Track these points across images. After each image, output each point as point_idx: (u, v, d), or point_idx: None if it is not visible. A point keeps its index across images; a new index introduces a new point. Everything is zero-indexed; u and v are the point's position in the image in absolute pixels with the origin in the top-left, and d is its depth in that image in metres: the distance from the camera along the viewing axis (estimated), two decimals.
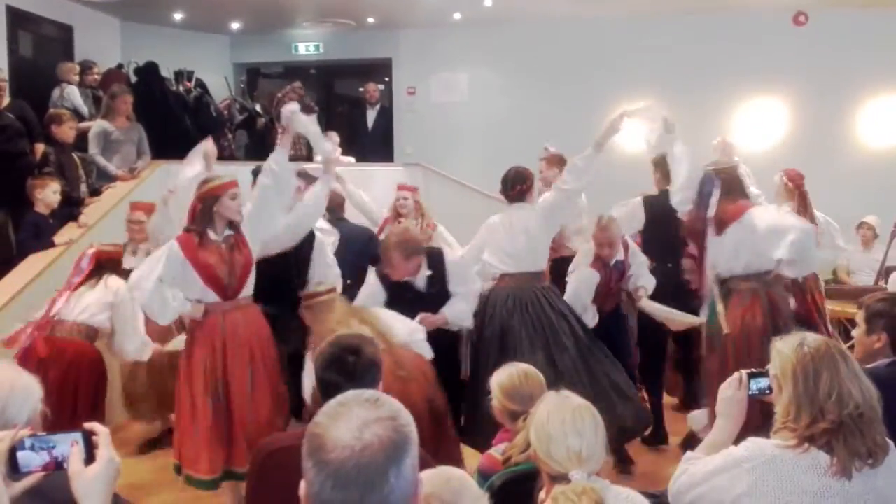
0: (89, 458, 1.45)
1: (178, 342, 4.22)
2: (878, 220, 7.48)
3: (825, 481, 1.94)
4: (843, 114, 9.14)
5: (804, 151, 8.88)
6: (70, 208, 5.94)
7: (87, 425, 1.45)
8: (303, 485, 1.26)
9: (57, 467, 1.48)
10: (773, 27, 9.13)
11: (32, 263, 5.23)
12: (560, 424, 2.09)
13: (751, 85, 9.25)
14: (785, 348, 2.12)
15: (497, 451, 2.69)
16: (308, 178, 4.83)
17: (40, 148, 6.21)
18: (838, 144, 9.07)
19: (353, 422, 1.24)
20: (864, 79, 8.95)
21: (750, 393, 2.24)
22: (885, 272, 6.82)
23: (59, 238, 5.45)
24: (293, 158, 9.07)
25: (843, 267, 7.70)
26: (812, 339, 2.10)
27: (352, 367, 2.27)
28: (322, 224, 4.90)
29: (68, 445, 1.46)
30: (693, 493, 2.14)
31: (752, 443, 2.07)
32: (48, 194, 5.37)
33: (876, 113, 9.12)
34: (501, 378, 2.84)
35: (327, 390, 2.19)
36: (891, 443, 2.02)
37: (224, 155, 8.33)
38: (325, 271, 4.16)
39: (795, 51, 9.04)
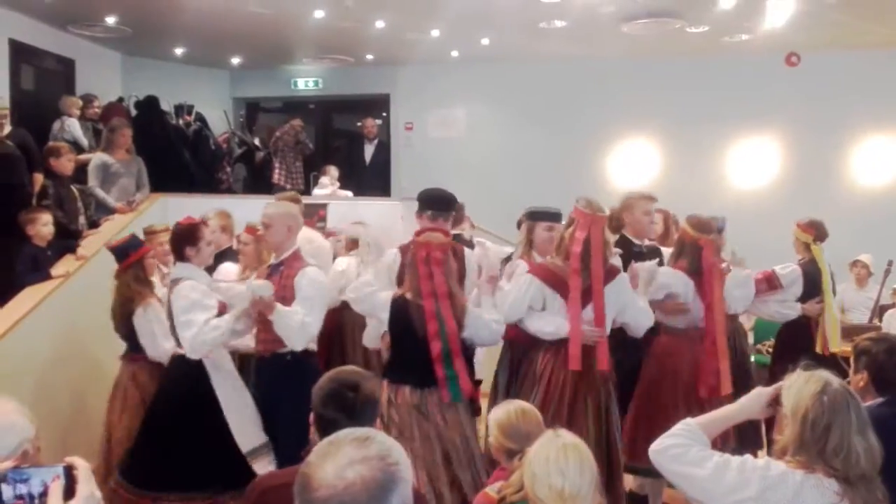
0: (69, 493, 1.44)
1: None
2: (871, 258, 7.51)
3: (829, 497, 1.98)
4: (836, 153, 9.25)
5: (798, 190, 8.98)
6: (68, 240, 5.95)
7: (68, 459, 1.45)
8: None
9: (30, 502, 1.46)
10: (766, 68, 9.27)
11: (29, 295, 5.22)
12: (544, 463, 2.11)
13: (744, 125, 9.37)
14: (804, 389, 2.11)
15: (493, 489, 2.68)
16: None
17: (39, 178, 6.23)
18: (831, 183, 9.16)
19: (339, 461, 1.25)
20: (857, 119, 9.09)
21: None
22: (878, 310, 6.85)
23: (56, 270, 5.44)
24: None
25: (837, 305, 7.72)
26: (834, 388, 2.09)
27: (351, 403, 2.26)
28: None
29: (49, 479, 1.44)
30: (685, 470, 2.15)
31: (767, 458, 2.11)
32: (39, 228, 5.38)
33: (868, 152, 9.23)
34: (499, 415, 2.84)
35: (326, 427, 2.18)
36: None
37: (222, 188, 8.39)
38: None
39: (788, 91, 9.18)
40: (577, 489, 2.06)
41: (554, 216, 4.28)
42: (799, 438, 2.07)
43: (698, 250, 4.20)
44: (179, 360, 3.99)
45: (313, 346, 4.13)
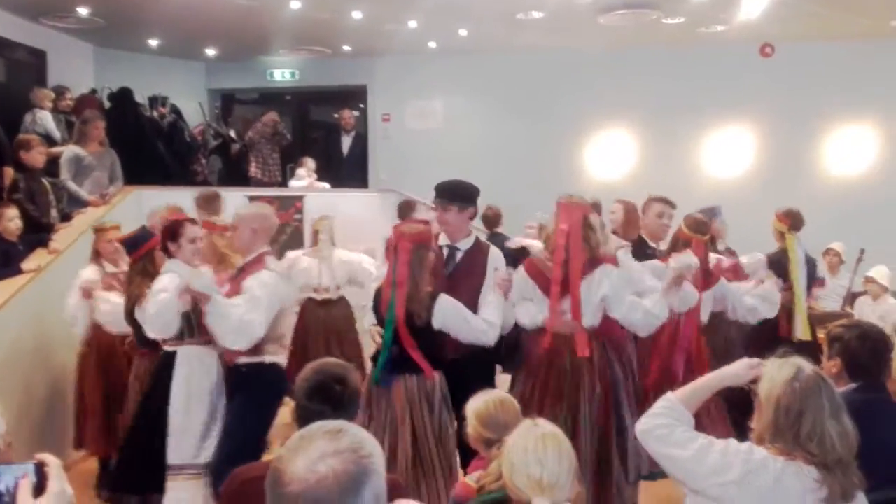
0: (40, 489, 1.42)
1: None
2: (843, 246, 7.61)
3: (808, 484, 2.01)
4: (809, 143, 9.36)
5: (772, 179, 9.08)
6: (40, 234, 5.86)
7: (39, 456, 1.43)
8: None
9: (1, 499, 1.44)
10: (741, 59, 9.35)
11: (0, 291, 5.14)
12: (522, 453, 2.12)
13: (720, 115, 9.45)
14: (777, 376, 2.14)
15: (472, 478, 2.69)
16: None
17: (9, 172, 6.14)
18: (804, 173, 9.27)
19: (311, 454, 1.25)
20: (830, 109, 9.20)
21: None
22: (850, 298, 6.95)
23: (27, 265, 5.36)
24: (268, 184, 9.11)
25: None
26: (806, 374, 2.11)
27: (338, 395, 2.25)
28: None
29: (17, 476, 1.42)
30: (670, 451, 2.18)
31: (750, 444, 2.13)
32: (6, 224, 5.30)
33: (841, 142, 9.36)
34: (477, 406, 2.84)
35: (309, 419, 2.17)
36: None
37: (198, 181, 8.32)
38: None
39: (762, 82, 9.26)
40: (555, 478, 2.07)
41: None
42: (773, 425, 2.10)
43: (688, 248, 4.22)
44: (162, 357, 4.01)
45: (275, 358, 3.94)
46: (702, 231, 4.37)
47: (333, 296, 5.78)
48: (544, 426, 2.22)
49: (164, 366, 3.96)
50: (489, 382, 3.87)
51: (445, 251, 4.08)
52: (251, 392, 3.82)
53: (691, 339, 4.19)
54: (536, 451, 2.11)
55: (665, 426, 2.22)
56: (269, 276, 3.83)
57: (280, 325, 3.97)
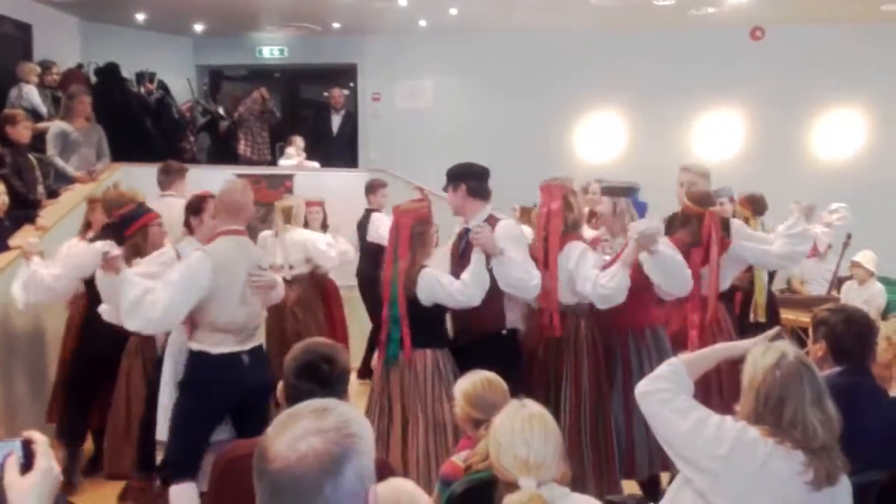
0: (27, 467, 1.42)
1: None
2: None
3: (794, 467, 2.03)
4: (798, 127, 9.39)
5: (760, 163, 9.11)
6: (26, 210, 5.82)
7: (27, 433, 1.43)
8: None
9: None
10: (731, 42, 9.34)
11: None
12: (509, 433, 2.13)
13: (709, 98, 9.45)
14: (760, 362, 2.16)
15: (459, 458, 2.71)
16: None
17: None
18: (793, 156, 9.31)
19: (294, 433, 1.25)
20: (820, 93, 9.22)
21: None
22: (837, 282, 7.02)
23: (14, 241, 5.32)
24: (257, 163, 9.06)
25: (796, 277, 7.89)
26: (788, 361, 2.13)
27: (326, 375, 2.26)
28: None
29: (6, 454, 1.42)
30: (668, 416, 2.20)
31: (744, 422, 2.14)
32: None
33: (831, 126, 9.38)
34: (465, 386, 2.86)
35: (298, 398, 2.18)
36: None
37: (186, 158, 8.25)
38: None
39: (752, 65, 9.26)
40: (541, 458, 2.09)
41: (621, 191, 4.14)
42: (754, 411, 2.13)
43: (700, 221, 4.10)
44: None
45: (203, 346, 3.66)
46: (707, 202, 4.18)
47: (288, 275, 5.63)
48: (531, 406, 2.23)
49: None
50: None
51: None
52: (181, 380, 3.74)
53: (701, 318, 4.06)
54: (523, 432, 2.12)
55: (667, 390, 2.24)
56: (197, 259, 3.56)
57: (210, 311, 3.59)
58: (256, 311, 3.77)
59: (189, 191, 5.23)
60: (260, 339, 3.87)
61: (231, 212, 3.74)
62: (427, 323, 3.76)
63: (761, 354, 2.17)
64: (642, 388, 2.30)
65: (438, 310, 3.78)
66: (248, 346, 3.71)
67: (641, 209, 4.09)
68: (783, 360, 2.12)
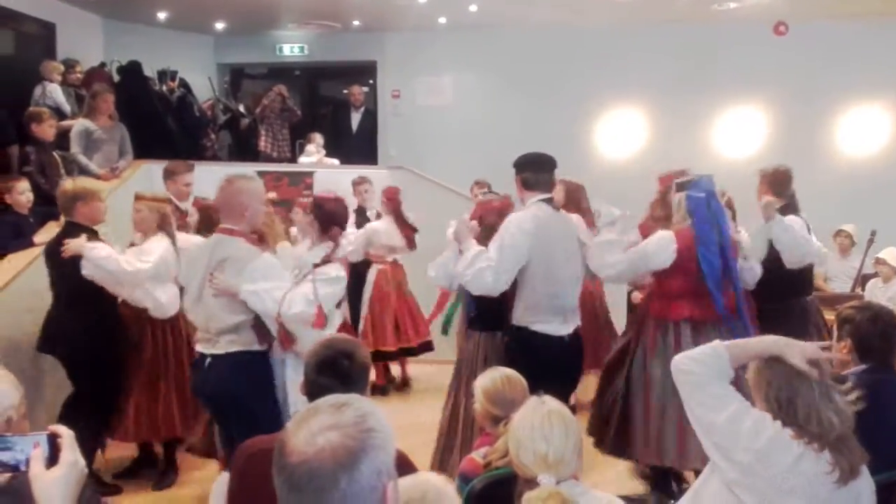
0: (52, 460, 1.43)
1: None
2: (855, 228, 7.58)
3: (823, 467, 2.02)
4: (822, 123, 9.27)
5: (783, 159, 8.91)
6: (51, 207, 5.88)
7: (52, 428, 1.44)
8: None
9: (14, 469, 1.46)
10: (754, 37, 9.24)
11: (12, 263, 5.18)
12: (529, 430, 2.14)
13: (731, 93, 9.36)
14: (760, 364, 2.15)
15: (479, 454, 2.71)
16: None
17: (14, 151, 6.15)
18: (817, 153, 9.19)
19: (312, 427, 1.25)
20: (843, 89, 9.09)
21: None
22: (861, 279, 6.93)
23: (39, 237, 5.39)
24: (277, 160, 9.11)
25: (819, 274, 7.80)
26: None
27: (346, 370, 2.27)
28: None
29: (30, 447, 1.43)
30: (701, 402, 2.14)
31: (779, 422, 2.10)
32: (17, 197, 5.32)
33: (854, 122, 9.26)
34: (485, 382, 2.86)
35: (319, 394, 2.19)
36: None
37: (207, 156, 8.32)
38: None
39: (775, 61, 9.16)
40: (560, 455, 2.09)
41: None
42: (769, 413, 2.11)
43: None
44: None
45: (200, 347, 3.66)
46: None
47: None
48: (550, 403, 2.23)
49: None
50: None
51: None
52: None
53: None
54: (542, 428, 2.12)
55: (703, 374, 2.15)
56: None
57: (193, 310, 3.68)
58: (217, 314, 3.51)
59: (211, 188, 5.25)
60: (234, 347, 3.53)
61: (226, 211, 3.64)
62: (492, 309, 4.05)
63: (763, 357, 2.16)
64: (678, 364, 2.21)
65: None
66: (212, 351, 3.55)
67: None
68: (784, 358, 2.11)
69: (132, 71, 8.20)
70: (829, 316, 4.69)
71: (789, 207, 4.88)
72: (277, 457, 1.27)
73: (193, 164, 5.70)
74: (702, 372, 2.16)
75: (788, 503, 2.02)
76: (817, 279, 7.79)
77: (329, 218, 3.76)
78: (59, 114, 7.01)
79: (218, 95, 9.84)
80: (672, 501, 3.88)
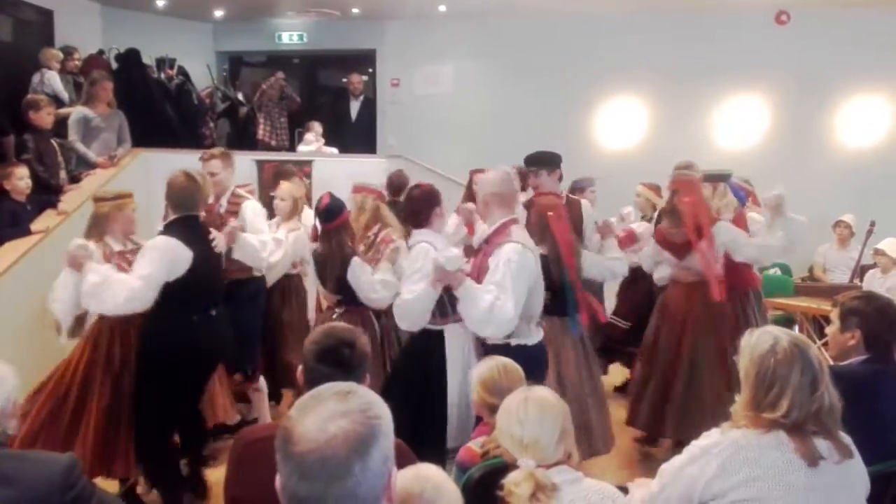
0: None
1: None
2: (854, 218, 7.58)
3: (789, 456, 2.01)
4: (823, 113, 9.23)
5: (784, 149, 9.00)
6: (48, 195, 5.88)
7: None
8: (278, 476, 1.28)
9: None
10: (756, 26, 9.19)
11: (9, 251, 5.17)
12: (506, 414, 2.19)
13: (732, 82, 9.32)
14: (753, 351, 2.15)
15: (476, 444, 2.72)
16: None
17: (10, 141, 6.10)
18: (817, 143, 9.17)
19: (320, 415, 1.26)
20: (845, 78, 9.05)
21: None
22: (859, 270, 6.93)
23: (36, 225, 5.38)
24: (276, 148, 9.09)
25: (818, 264, 7.81)
26: (782, 346, 2.11)
27: (347, 359, 2.27)
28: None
29: None
30: (665, 494, 2.18)
31: (715, 432, 2.12)
32: (16, 183, 5.31)
33: (855, 112, 9.22)
34: (482, 372, 2.86)
35: (318, 381, 2.19)
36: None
37: (205, 144, 8.30)
38: None
39: (777, 49, 9.12)
40: (535, 438, 2.12)
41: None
42: (753, 399, 2.11)
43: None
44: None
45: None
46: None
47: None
48: (533, 391, 2.25)
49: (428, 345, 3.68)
50: None
51: None
52: None
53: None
54: (518, 412, 2.18)
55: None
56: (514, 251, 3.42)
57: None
58: None
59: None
60: None
61: (505, 202, 3.70)
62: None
63: (754, 342, 2.15)
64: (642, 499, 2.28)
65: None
66: None
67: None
68: (777, 345, 2.10)
69: (130, 58, 8.17)
70: (826, 306, 4.71)
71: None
72: (283, 445, 1.27)
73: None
74: (661, 474, 2.23)
75: (774, 496, 2.00)
76: (815, 269, 7.81)
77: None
78: (58, 101, 6.98)
79: (216, 83, 9.81)
80: None
